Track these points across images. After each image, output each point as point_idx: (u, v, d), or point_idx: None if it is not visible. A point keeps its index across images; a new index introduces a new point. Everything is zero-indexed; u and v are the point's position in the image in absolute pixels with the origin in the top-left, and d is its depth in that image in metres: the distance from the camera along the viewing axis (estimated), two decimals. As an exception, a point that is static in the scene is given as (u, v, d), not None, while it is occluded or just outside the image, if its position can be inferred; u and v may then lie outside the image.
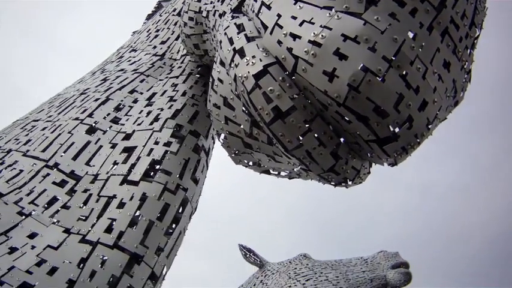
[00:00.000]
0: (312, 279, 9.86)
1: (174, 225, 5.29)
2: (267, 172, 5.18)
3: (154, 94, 6.19)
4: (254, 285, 10.01)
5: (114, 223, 4.78)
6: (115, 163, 5.30)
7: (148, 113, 5.86)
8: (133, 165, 5.29)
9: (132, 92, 6.24)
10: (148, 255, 4.87)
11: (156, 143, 5.53)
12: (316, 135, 3.88)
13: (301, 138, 3.92)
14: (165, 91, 6.22)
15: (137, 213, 4.92)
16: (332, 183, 4.39)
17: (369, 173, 4.54)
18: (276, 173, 5.08)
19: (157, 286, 5.22)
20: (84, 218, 4.82)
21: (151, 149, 5.47)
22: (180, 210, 5.38)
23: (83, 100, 6.13)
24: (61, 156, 5.31)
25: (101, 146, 5.48)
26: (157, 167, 5.35)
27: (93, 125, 5.65)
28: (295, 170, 4.81)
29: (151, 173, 5.30)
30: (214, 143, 6.33)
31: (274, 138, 3.94)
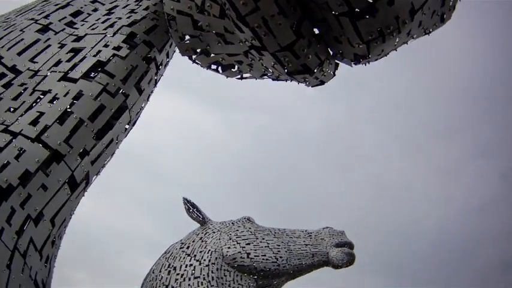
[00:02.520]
0: (253, 243, 9.51)
1: (106, 130, 5.18)
2: (215, 67, 5.02)
3: (116, 6, 6.12)
4: (193, 241, 9.60)
5: (41, 117, 4.63)
6: (59, 61, 5.25)
7: (106, 20, 5.82)
8: (76, 64, 5.23)
9: (94, 1, 6.25)
10: (71, 155, 4.69)
11: (106, 46, 5.46)
12: (277, 0, 3.49)
13: (258, 1, 3.54)
14: (127, 5, 6.11)
15: (69, 110, 4.82)
16: (289, 74, 4.06)
17: (334, 75, 4.19)
18: (223, 63, 4.96)
19: (77, 195, 4.92)
20: (13, 109, 4.71)
21: (99, 51, 5.38)
22: (116, 116, 5.28)
23: (43, 5, 6.16)
24: (7, 50, 5.33)
25: (49, 45, 5.48)
26: (101, 68, 5.28)
27: (46, 25, 5.70)
28: (247, 58, 4.56)
29: (93, 74, 5.25)
30: (168, 61, 6.25)
31: (228, 2, 3.56)
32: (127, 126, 5.59)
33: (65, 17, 5.86)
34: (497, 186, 42.38)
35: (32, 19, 5.77)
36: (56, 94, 4.83)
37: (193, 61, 5.62)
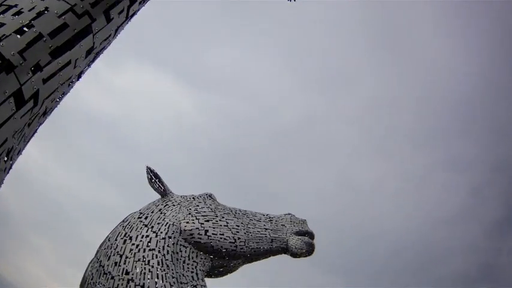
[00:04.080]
0: (212, 221, 9.28)
1: (65, 49, 5.01)
2: None
3: None
4: (152, 212, 9.33)
5: (1, 27, 4.53)
6: None
7: None
8: None
9: None
10: (23, 68, 4.53)
11: None
12: None
13: None
14: None
15: (31, 24, 4.71)
16: None
17: None
18: None
19: (22, 114, 4.69)
20: None
21: None
22: (78, 37, 5.12)
23: None
24: None
25: None
26: None
27: None
28: None
29: None
30: (143, 1, 6.09)
31: None
32: (88, 54, 5.40)
33: None
34: (465, 201, 42.94)
35: None
36: (22, 8, 4.74)
37: None
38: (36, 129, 5.61)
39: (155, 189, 9.86)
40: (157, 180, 9.85)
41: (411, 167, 43.64)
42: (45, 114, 5.45)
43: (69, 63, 5.05)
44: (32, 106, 4.79)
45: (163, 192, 9.82)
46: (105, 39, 5.55)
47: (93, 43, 5.26)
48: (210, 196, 10.01)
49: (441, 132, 43.01)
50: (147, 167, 9.86)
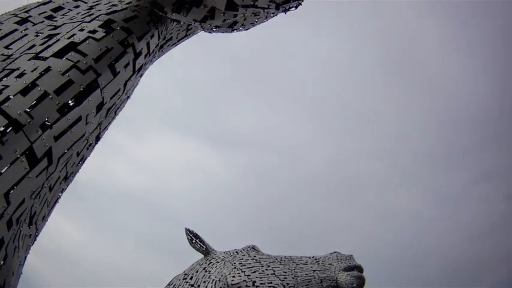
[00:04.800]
0: (258, 271, 9.22)
1: (72, 105, 5.06)
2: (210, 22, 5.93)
3: (98, 3, 6.20)
4: (196, 271, 9.33)
5: (5, 89, 4.57)
6: (33, 46, 5.28)
7: (86, 13, 5.89)
8: (49, 46, 5.23)
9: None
10: (31, 126, 4.54)
11: (81, 30, 5.48)
12: None
13: None
14: (110, 1, 6.18)
15: (35, 83, 4.76)
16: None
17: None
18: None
19: (38, 173, 4.67)
20: None
21: (74, 34, 5.39)
22: (86, 93, 5.18)
23: (27, 5, 6.25)
24: None
25: (26, 34, 5.54)
26: (74, 48, 5.24)
27: (26, 18, 5.80)
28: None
29: (65, 53, 5.21)
30: (150, 54, 6.25)
31: None
32: (99, 110, 5.42)
33: (45, 12, 5.97)
34: (502, 208, 41.94)
35: (13, 14, 5.88)
36: (24, 70, 4.80)
37: (187, 13, 5.74)
38: (60, 196, 5.65)
39: (197, 249, 9.87)
40: (197, 240, 9.87)
41: (445, 187, 42.90)
42: (67, 179, 5.48)
43: (79, 119, 5.08)
44: (47, 165, 4.76)
45: (206, 251, 9.82)
46: (114, 94, 5.60)
47: (103, 98, 5.30)
48: (254, 248, 9.96)
49: (468, 147, 42.43)
50: (186, 229, 9.92)
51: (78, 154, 5.53)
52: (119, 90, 5.76)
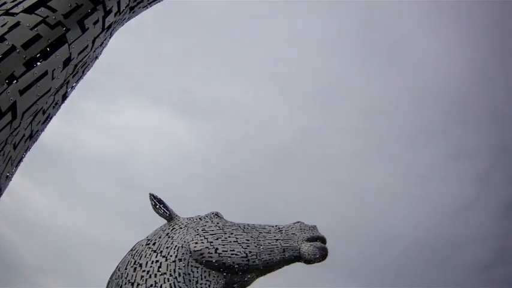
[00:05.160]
0: (221, 238, 9.19)
1: (40, 60, 5.06)
2: None
3: None
4: (159, 237, 9.27)
5: None
6: (4, 3, 5.21)
7: None
8: (20, 2, 5.19)
9: None
10: None
11: None
12: None
13: None
14: None
15: (3, 38, 4.76)
16: None
17: None
18: None
19: (3, 126, 4.70)
20: None
21: None
22: (52, 46, 5.17)
23: None
24: None
25: None
26: (44, 4, 5.21)
27: None
28: None
29: (35, 8, 5.19)
30: (120, 13, 6.21)
31: None
32: (66, 66, 5.38)
33: None
34: (472, 188, 42.71)
35: None
36: None
37: None
38: (24, 155, 5.59)
39: (160, 215, 9.80)
40: (161, 205, 9.80)
41: (414, 166, 43.43)
42: (32, 137, 5.43)
43: (45, 73, 5.05)
44: (11, 119, 4.77)
45: (169, 216, 9.76)
46: (82, 50, 5.58)
47: (70, 53, 5.30)
48: (217, 214, 9.94)
49: (440, 126, 42.91)
50: (150, 194, 9.83)
51: (44, 112, 5.45)
52: (87, 47, 5.71)
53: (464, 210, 41.88)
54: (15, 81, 4.69)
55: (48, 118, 5.73)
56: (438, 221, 41.42)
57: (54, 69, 5.22)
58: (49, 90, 5.25)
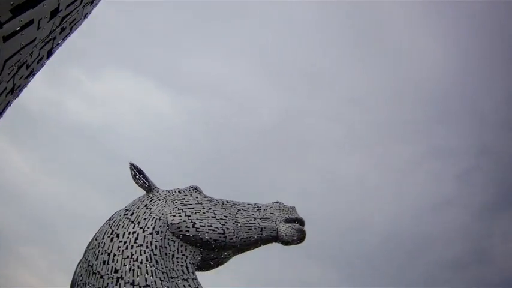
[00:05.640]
0: (199, 213, 9.12)
1: (27, 7, 4.72)
2: None
3: None
4: (138, 208, 9.16)
5: None
6: None
7: None
8: None
9: None
10: None
11: None
12: None
13: None
14: None
15: None
16: None
17: None
18: None
19: None
20: None
21: None
22: None
23: None
24: None
25: None
26: None
27: None
28: None
29: None
30: None
31: None
32: (54, 17, 5.18)
33: None
34: (451, 187, 43.11)
35: None
36: None
37: None
38: (5, 109, 5.43)
39: (140, 185, 9.69)
40: (141, 176, 9.69)
41: (396, 159, 43.77)
42: (14, 91, 5.25)
43: (31, 22, 4.85)
44: None
45: (148, 187, 9.66)
46: (71, 3, 5.35)
47: (58, 4, 5.07)
48: (196, 189, 9.85)
49: (424, 123, 43.19)
50: (130, 163, 9.70)
51: (27, 66, 5.27)
52: (75, 0, 5.45)
53: (442, 208, 42.32)
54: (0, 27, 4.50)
55: (32, 73, 5.55)
56: (415, 216, 41.82)
57: (41, 19, 5.01)
58: (33, 40, 5.06)
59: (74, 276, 8.80)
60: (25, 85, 5.57)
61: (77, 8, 5.56)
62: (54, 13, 5.19)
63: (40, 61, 5.57)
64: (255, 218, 9.56)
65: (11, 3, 4.54)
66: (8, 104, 5.43)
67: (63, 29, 5.56)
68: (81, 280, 8.50)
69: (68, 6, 5.37)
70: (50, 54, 5.72)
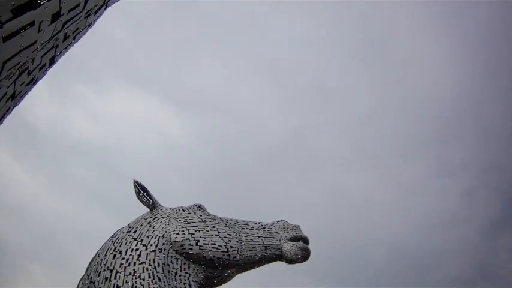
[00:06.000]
0: (203, 231, 9.05)
1: (28, 8, 4.69)
2: None
3: None
4: (141, 225, 9.10)
5: None
6: None
7: None
8: None
9: None
10: None
11: None
12: None
13: None
14: None
15: None
16: None
17: None
18: None
19: None
20: None
21: None
22: None
23: None
24: None
25: None
26: None
27: None
28: None
29: None
30: None
31: None
32: (55, 21, 5.11)
33: None
34: (458, 204, 42.86)
35: None
36: None
37: None
38: (5, 115, 5.36)
39: (143, 203, 9.65)
40: (145, 193, 9.65)
41: (402, 176, 43.64)
42: (14, 98, 5.20)
43: (32, 23, 4.78)
44: None
45: (152, 205, 9.62)
46: (73, 8, 5.29)
47: (60, 8, 5.00)
48: (200, 207, 9.79)
49: (430, 140, 43.16)
50: (134, 180, 9.67)
51: (29, 73, 5.22)
52: (78, 5, 5.45)
53: (447, 226, 42.06)
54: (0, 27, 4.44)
55: (33, 81, 5.49)
56: (420, 233, 41.57)
57: (42, 21, 4.95)
58: (34, 42, 4.99)
59: (76, 293, 8.74)
60: (26, 92, 5.53)
61: (79, 13, 5.51)
62: (55, 16, 5.13)
63: (42, 68, 5.53)
64: (259, 237, 9.50)
65: (12, 3, 4.48)
66: (8, 110, 5.38)
67: (66, 37, 5.52)
68: (83, 297, 8.44)
69: (69, 11, 5.33)
70: (52, 62, 5.68)
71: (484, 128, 42.53)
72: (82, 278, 8.82)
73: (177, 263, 8.65)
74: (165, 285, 8.16)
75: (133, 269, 8.25)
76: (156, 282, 8.10)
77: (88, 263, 8.96)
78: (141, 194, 9.66)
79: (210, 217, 9.52)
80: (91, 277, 8.50)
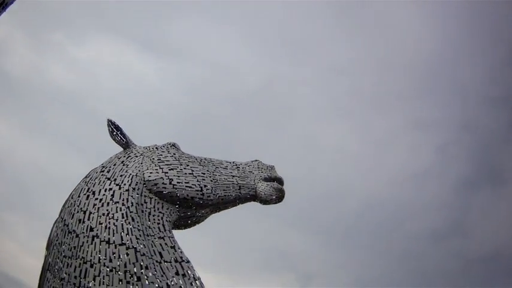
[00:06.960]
0: (176, 169, 8.91)
1: None
2: None
3: None
4: (114, 164, 8.94)
5: None
6: None
7: None
8: None
9: None
10: None
11: None
12: None
13: None
14: None
15: None
16: None
17: None
18: None
19: None
20: None
21: None
22: None
23: None
24: None
25: None
26: None
27: None
28: None
29: None
30: None
31: None
32: None
33: None
34: (432, 159, 43.43)
35: None
36: None
37: None
38: None
39: (117, 142, 9.47)
40: (118, 132, 9.45)
41: (377, 129, 43.85)
42: None
43: None
44: None
45: (125, 144, 9.45)
46: None
47: None
48: (174, 145, 9.65)
49: (403, 95, 43.27)
50: (108, 119, 9.46)
51: None
52: None
53: (421, 179, 42.70)
54: None
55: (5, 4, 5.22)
56: (393, 185, 42.15)
57: None
58: None
59: (50, 237, 8.62)
60: None
61: None
62: None
63: (5, 6, 5.25)
64: (233, 176, 9.41)
65: None
66: None
67: None
68: (57, 240, 8.32)
69: None
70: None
71: (461, 84, 42.77)
72: (56, 221, 8.70)
73: (150, 203, 8.54)
74: (138, 225, 8.06)
75: (107, 209, 8.12)
76: (129, 223, 8.00)
77: (62, 205, 8.83)
78: (114, 133, 9.47)
79: (184, 155, 9.39)
80: (65, 219, 8.38)
